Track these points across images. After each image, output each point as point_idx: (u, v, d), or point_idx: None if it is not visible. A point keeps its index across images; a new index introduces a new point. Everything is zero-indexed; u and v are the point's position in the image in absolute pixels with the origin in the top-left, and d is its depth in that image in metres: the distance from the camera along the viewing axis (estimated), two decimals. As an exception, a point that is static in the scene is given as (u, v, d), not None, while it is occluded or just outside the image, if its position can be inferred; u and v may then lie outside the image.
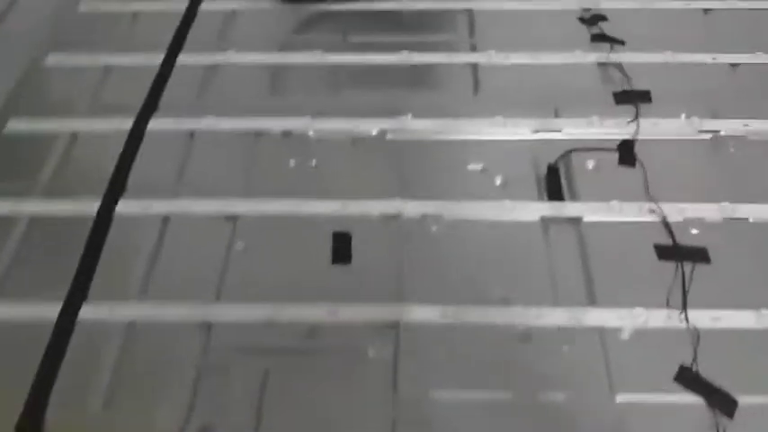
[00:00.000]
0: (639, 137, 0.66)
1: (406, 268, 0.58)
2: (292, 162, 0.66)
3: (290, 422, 0.50)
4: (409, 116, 0.69)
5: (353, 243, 0.59)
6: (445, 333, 0.54)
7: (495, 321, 0.54)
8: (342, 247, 0.59)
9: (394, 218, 0.61)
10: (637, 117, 0.68)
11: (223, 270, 0.58)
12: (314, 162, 0.66)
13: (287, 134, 0.69)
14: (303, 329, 0.54)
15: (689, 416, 0.49)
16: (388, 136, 0.68)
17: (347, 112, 0.70)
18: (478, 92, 0.72)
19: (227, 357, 0.53)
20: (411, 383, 0.51)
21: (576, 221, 0.61)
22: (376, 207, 0.62)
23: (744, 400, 0.50)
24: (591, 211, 0.61)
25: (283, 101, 0.73)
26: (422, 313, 0.55)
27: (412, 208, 0.61)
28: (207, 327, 0.54)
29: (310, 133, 0.69)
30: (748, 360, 0.52)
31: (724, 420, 0.49)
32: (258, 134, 0.69)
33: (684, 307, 0.54)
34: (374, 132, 0.68)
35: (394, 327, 0.55)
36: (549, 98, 0.70)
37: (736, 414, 0.49)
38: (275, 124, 0.69)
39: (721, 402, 0.50)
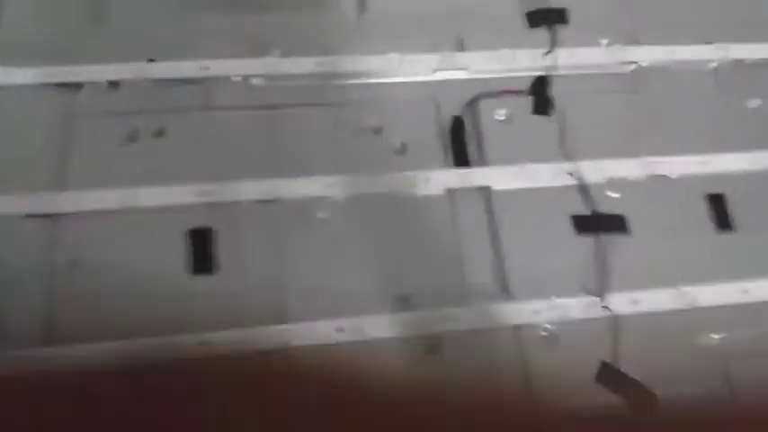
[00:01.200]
0: (556, 72, 0.56)
1: (288, 273, 0.47)
2: (123, 130, 0.50)
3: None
4: (278, 54, 0.54)
5: (217, 243, 0.47)
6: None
7: (398, 333, 0.47)
8: (201, 251, 0.47)
9: (271, 203, 0.49)
10: (553, 47, 0.57)
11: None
12: (156, 127, 0.50)
13: (114, 85, 0.51)
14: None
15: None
16: (254, 81, 0.53)
17: (196, 49, 0.53)
18: (365, 13, 0.57)
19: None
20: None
21: (485, 191, 0.52)
22: (246, 190, 0.49)
23: (663, 390, 0.47)
24: (501, 178, 0.52)
25: (108, 36, 0.54)
26: (313, 333, 0.46)
27: (292, 188, 0.49)
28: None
29: (145, 84, 0.52)
30: (668, 344, 0.49)
31: (645, 414, 0.47)
32: (76, 87, 0.51)
33: (603, 293, 0.49)
34: (236, 79, 0.53)
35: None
36: (450, 24, 0.57)
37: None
38: (97, 72, 0.51)
39: (641, 398, 0.47)
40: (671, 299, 0.50)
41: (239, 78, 0.52)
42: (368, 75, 0.54)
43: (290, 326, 0.45)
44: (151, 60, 0.52)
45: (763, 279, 0.51)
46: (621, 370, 0.47)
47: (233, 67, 0.52)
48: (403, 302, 0.48)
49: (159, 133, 0.50)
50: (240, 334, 0.44)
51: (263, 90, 0.53)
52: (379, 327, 0.46)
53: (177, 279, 0.46)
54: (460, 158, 0.53)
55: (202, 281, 0.46)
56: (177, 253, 0.47)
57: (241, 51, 0.53)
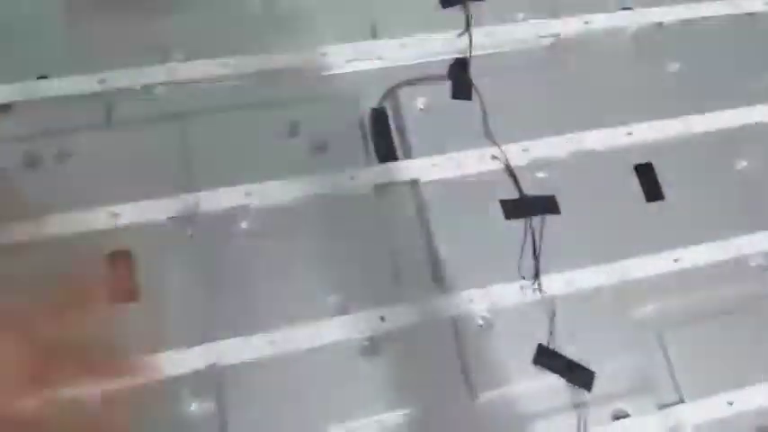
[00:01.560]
0: (473, 52, 0.55)
1: (215, 290, 0.45)
2: (21, 156, 0.46)
3: None
4: (180, 58, 0.51)
5: (137, 267, 0.45)
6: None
7: (333, 339, 0.45)
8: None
9: (189, 219, 0.47)
10: (468, 27, 0.55)
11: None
12: (57, 150, 0.47)
13: (4, 108, 0.48)
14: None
15: (551, 396, 0.47)
16: (156, 90, 0.50)
17: (90, 61, 0.49)
18: (271, 7, 0.54)
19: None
20: None
21: (413, 184, 0.50)
22: (161, 208, 0.46)
23: (601, 367, 0.48)
24: (428, 169, 0.50)
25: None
26: (245, 348, 0.44)
27: (211, 201, 0.47)
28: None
29: (39, 104, 0.48)
30: (603, 320, 0.49)
31: (582, 393, 0.47)
32: None
33: (537, 276, 0.49)
34: (136, 89, 0.49)
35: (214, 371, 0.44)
36: (361, 11, 0.54)
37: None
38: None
39: (579, 377, 0.47)
40: (604, 274, 0.50)
41: (139, 88, 0.49)
42: (278, 72, 0.52)
43: (219, 343, 0.44)
44: (42, 77, 0.48)
45: (694, 246, 0.51)
46: (558, 351, 0.47)
47: (132, 77, 0.49)
48: (336, 306, 0.47)
49: (61, 157, 0.47)
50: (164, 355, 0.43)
51: (167, 99, 0.50)
52: (312, 335, 0.45)
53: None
54: (386, 152, 0.51)
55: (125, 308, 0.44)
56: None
57: (139, 59, 0.49)
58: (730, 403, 0.47)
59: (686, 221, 0.52)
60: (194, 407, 0.43)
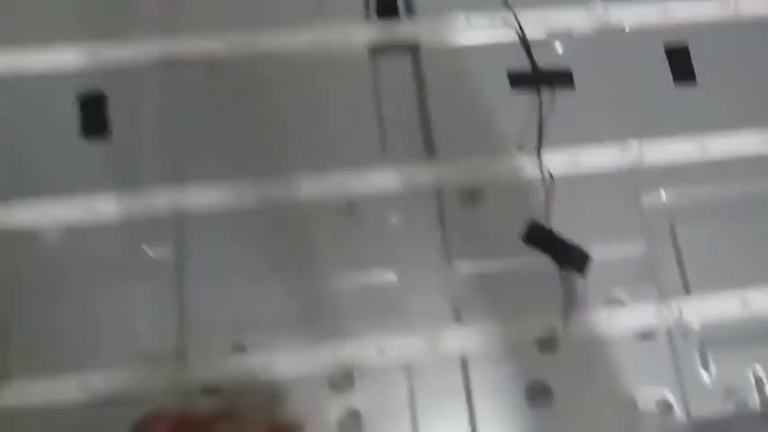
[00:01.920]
0: None
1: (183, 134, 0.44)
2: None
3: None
4: None
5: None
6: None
7: (318, 194, 0.43)
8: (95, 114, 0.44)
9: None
10: None
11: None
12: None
13: None
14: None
15: (537, 278, 0.43)
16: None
17: None
18: None
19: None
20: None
21: (413, 49, 0.47)
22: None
23: (599, 253, 0.44)
24: (431, 32, 0.47)
25: None
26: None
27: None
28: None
29: None
30: (608, 206, 0.45)
31: (575, 277, 0.43)
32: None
33: (539, 150, 0.45)
34: None
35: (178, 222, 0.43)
36: None
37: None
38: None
39: (573, 259, 0.43)
40: (616, 156, 0.45)
41: None
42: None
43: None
44: None
45: (721, 136, 0.46)
46: (553, 230, 0.44)
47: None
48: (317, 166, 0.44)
49: None
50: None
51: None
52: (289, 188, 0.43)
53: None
54: (386, 7, 0.48)
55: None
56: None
57: None
58: (743, 303, 0.42)
59: (716, 109, 0.47)
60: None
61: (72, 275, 0.41)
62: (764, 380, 0.42)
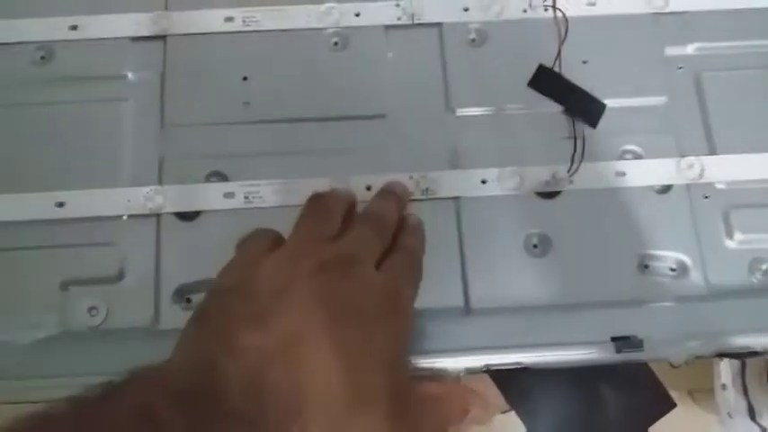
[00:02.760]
0: None
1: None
2: None
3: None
4: None
5: None
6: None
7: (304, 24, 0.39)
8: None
9: None
10: None
11: None
12: None
13: None
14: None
15: (544, 124, 0.39)
16: None
17: None
18: None
19: None
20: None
21: None
22: None
23: (613, 103, 0.39)
24: None
25: None
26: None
27: None
28: None
29: None
30: (628, 53, 0.40)
31: (585, 128, 0.39)
32: None
33: (551, -12, 0.40)
34: None
35: (161, 38, 0.39)
36: None
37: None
38: None
39: (584, 107, 0.39)
40: (638, 1, 0.41)
41: None
42: None
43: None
44: None
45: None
46: (563, 75, 0.39)
47: None
48: None
49: None
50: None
51: None
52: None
53: None
54: None
55: None
56: None
57: None
58: (775, 162, 0.38)
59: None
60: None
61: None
62: (794, 249, 0.37)
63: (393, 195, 0.35)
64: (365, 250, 0.29)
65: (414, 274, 0.31)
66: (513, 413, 0.39)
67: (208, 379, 0.24)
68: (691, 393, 0.42)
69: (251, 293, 0.27)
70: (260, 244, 0.30)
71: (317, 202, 0.32)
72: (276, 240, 0.30)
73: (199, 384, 0.24)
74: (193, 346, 0.26)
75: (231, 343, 0.25)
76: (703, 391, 0.41)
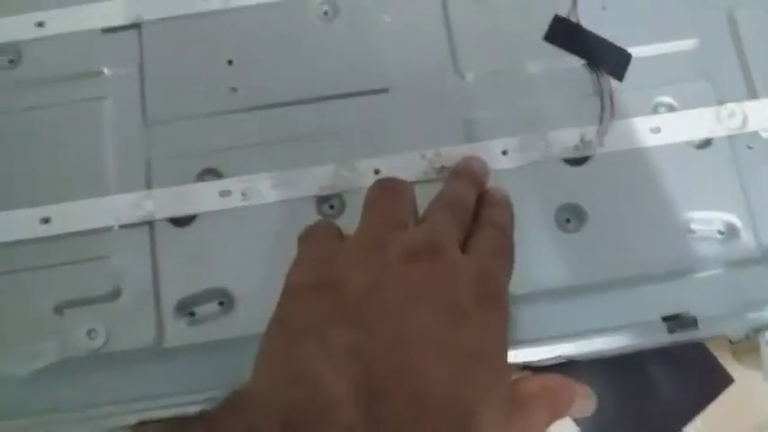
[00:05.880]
0: None
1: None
2: None
3: None
4: None
5: None
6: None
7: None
8: None
9: None
10: None
11: None
12: None
13: None
14: None
15: (564, 85, 0.35)
16: None
17: None
18: None
19: None
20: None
21: None
22: None
23: (639, 52, 0.35)
24: None
25: None
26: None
27: None
28: None
29: None
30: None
31: (610, 81, 0.35)
32: None
33: (562, -71, 0.36)
34: None
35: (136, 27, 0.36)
36: None
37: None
38: None
39: (608, 58, 0.35)
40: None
41: None
42: None
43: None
44: None
45: None
46: (582, 26, 0.35)
47: None
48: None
49: None
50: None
51: None
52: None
53: None
54: None
55: None
56: None
57: None
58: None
59: None
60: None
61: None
62: None
63: (468, 175, 0.31)
64: (448, 235, 0.26)
65: (506, 253, 0.27)
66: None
67: (312, 393, 0.21)
68: (736, 355, 0.39)
69: (337, 289, 0.24)
70: (329, 233, 0.27)
71: (387, 188, 0.28)
72: (341, 231, 0.27)
73: (302, 399, 0.21)
74: (282, 357, 0.23)
75: (327, 348, 0.22)
76: (747, 352, 0.38)
